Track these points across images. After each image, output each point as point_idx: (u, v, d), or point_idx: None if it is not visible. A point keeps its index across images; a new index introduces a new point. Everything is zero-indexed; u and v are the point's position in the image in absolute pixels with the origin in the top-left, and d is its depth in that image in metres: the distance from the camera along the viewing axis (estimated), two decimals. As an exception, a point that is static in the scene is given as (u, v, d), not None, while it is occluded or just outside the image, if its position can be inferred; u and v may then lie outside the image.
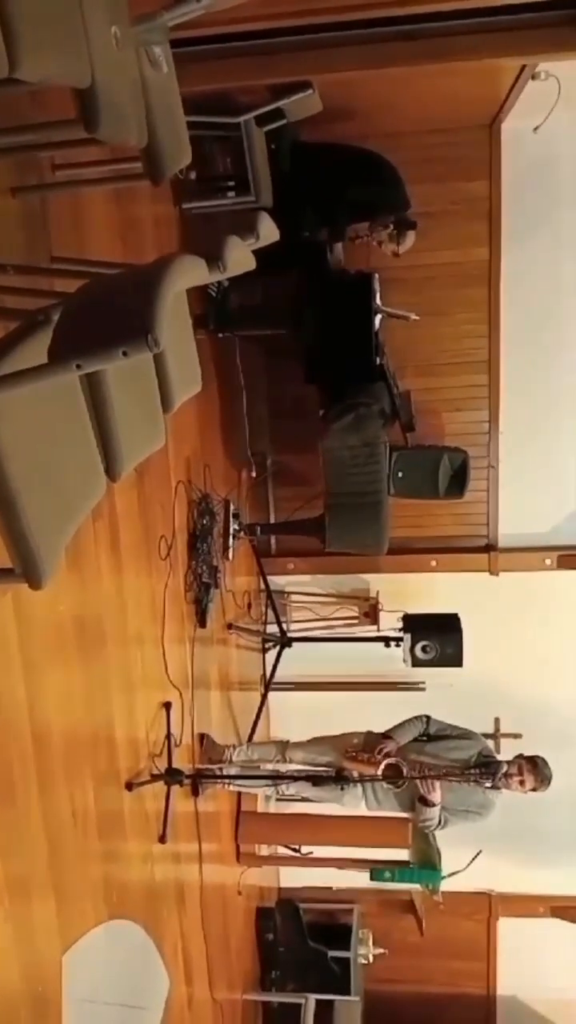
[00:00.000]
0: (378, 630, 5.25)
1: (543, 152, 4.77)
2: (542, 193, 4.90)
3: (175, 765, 3.50)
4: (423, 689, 5.37)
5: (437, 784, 3.81)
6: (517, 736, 5.30)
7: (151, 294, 1.33)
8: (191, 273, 1.55)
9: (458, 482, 4.84)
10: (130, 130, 2.10)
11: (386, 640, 5.05)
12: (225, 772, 4.16)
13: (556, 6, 3.28)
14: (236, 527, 4.71)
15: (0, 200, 2.41)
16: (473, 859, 4.11)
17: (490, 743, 4.59)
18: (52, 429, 1.62)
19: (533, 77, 4.01)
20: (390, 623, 5.13)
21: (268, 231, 2.09)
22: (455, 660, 4.80)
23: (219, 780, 4.12)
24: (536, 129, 4.51)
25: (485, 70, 3.88)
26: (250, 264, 1.93)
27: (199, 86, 3.30)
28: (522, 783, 3.79)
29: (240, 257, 1.83)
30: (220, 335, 4.45)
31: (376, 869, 4.55)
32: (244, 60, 3.48)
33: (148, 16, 2.17)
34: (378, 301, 4.44)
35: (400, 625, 4.95)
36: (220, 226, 4.11)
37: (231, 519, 4.66)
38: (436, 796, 3.82)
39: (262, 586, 5.36)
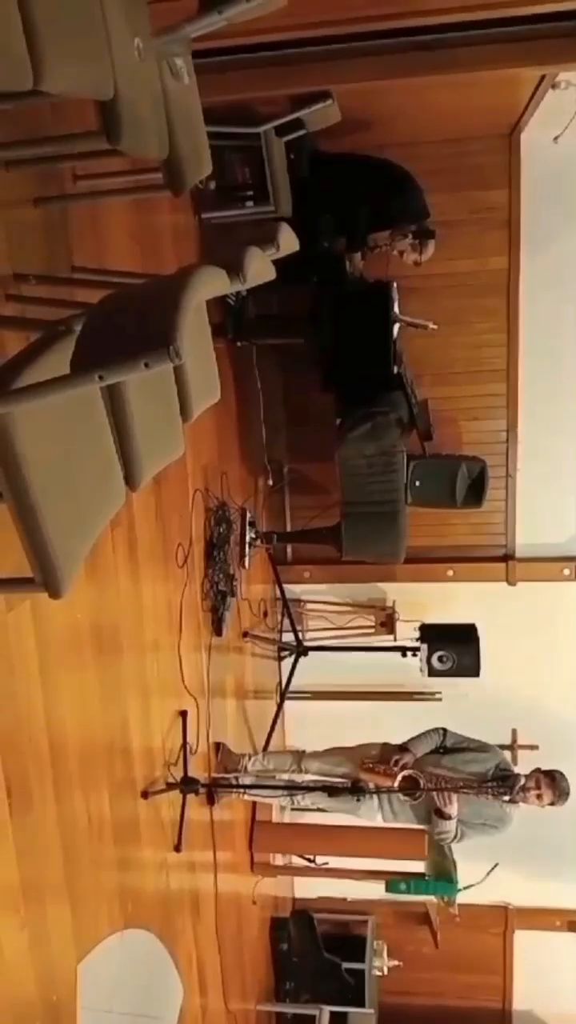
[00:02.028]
0: (394, 640, 5.23)
1: (562, 162, 4.76)
2: (561, 203, 4.88)
3: (191, 774, 3.50)
4: (439, 699, 5.35)
5: (454, 797, 3.78)
6: (534, 748, 5.26)
7: (173, 306, 1.34)
8: (212, 284, 1.55)
9: (476, 491, 4.82)
10: (151, 142, 2.12)
11: (402, 650, 5.02)
12: (240, 781, 4.15)
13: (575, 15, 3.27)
14: (252, 535, 4.71)
15: (22, 210, 2.42)
16: (490, 872, 4.08)
17: (507, 755, 4.55)
18: (72, 438, 1.63)
19: (553, 87, 4.00)
20: (407, 633, 5.12)
21: (288, 242, 2.10)
22: (472, 670, 4.77)
23: (234, 789, 4.11)
24: (556, 139, 4.50)
25: (504, 80, 3.87)
26: (270, 275, 1.93)
27: (219, 96, 3.32)
28: (540, 797, 3.76)
29: (260, 268, 1.83)
30: (238, 344, 4.46)
31: (392, 880, 4.52)
32: (264, 71, 3.49)
33: (170, 28, 2.18)
34: (396, 310, 4.44)
35: (417, 635, 4.93)
36: (239, 236, 4.13)
37: (247, 527, 4.66)
38: (453, 809, 3.79)
39: (278, 594, 5.35)
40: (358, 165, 4.26)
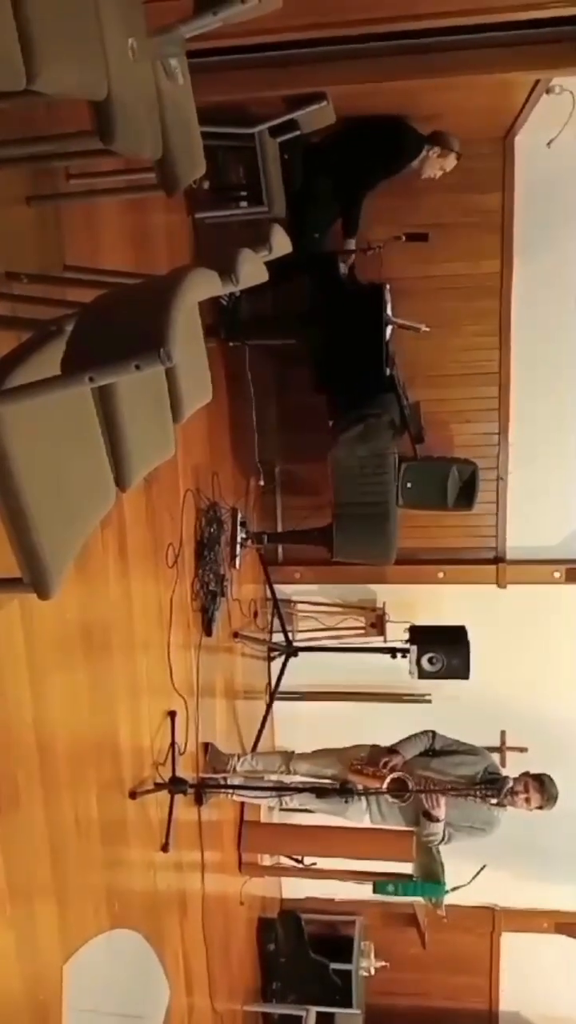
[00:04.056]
0: (384, 641, 5.23)
1: (556, 166, 4.77)
2: (554, 207, 4.90)
3: (179, 774, 3.49)
4: (429, 701, 5.36)
5: (442, 799, 3.79)
6: (523, 750, 5.28)
7: (164, 308, 1.34)
8: (204, 286, 1.55)
9: (467, 494, 4.83)
10: (145, 142, 2.12)
11: (392, 651, 5.03)
12: (229, 782, 4.15)
13: (570, 21, 3.29)
14: (243, 535, 4.71)
15: (15, 209, 2.42)
16: (477, 873, 4.08)
17: (496, 757, 4.56)
18: (62, 439, 1.63)
19: (547, 91, 4.01)
20: (396, 634, 5.12)
21: (281, 243, 2.10)
22: (461, 672, 4.78)
23: (223, 790, 4.11)
24: (550, 143, 4.50)
25: (499, 84, 3.89)
26: (263, 277, 1.93)
27: (214, 97, 3.32)
28: (528, 801, 3.77)
29: (253, 270, 1.84)
30: (231, 344, 4.46)
31: (379, 882, 4.52)
32: (259, 72, 3.50)
33: (165, 28, 2.18)
34: (389, 312, 4.45)
35: (406, 636, 4.94)
36: (233, 236, 4.13)
37: (239, 527, 4.66)
38: (441, 811, 3.80)
39: (269, 595, 5.35)
40: (347, 140, 4.21)
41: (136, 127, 2.03)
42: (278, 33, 3.19)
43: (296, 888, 5.77)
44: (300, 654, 5.24)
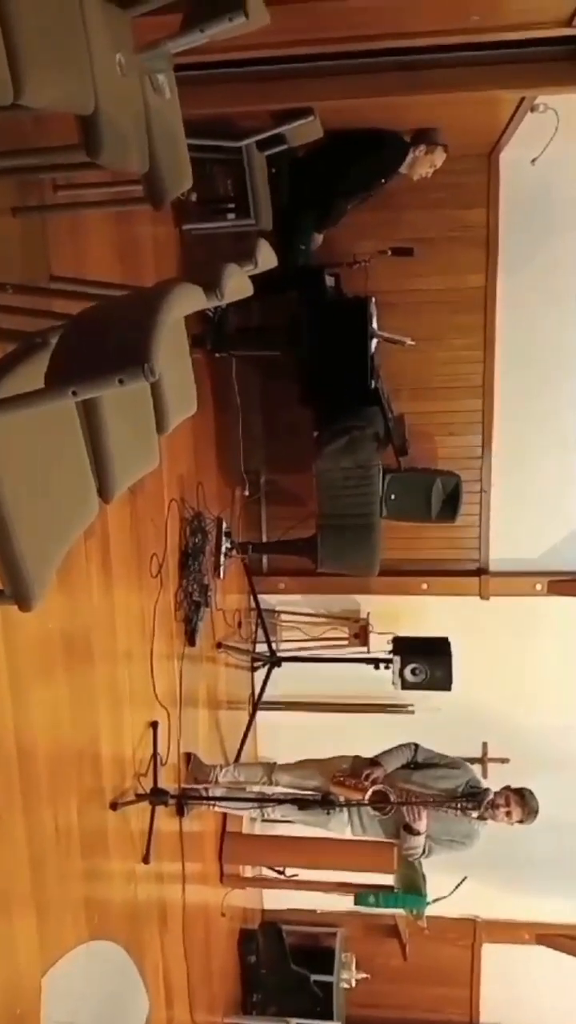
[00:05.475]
0: (368, 652, 5.24)
1: (540, 182, 4.83)
2: (538, 222, 4.95)
3: (160, 785, 3.48)
4: (412, 712, 5.37)
5: (423, 812, 3.79)
6: (504, 761, 5.29)
7: (148, 323, 1.35)
8: (189, 301, 1.56)
9: (450, 506, 4.86)
10: (132, 156, 2.13)
11: (376, 662, 5.04)
12: (211, 793, 4.14)
13: (555, 42, 3.34)
14: (228, 545, 4.72)
15: (1, 220, 2.43)
16: (458, 885, 4.09)
17: (477, 769, 4.57)
18: (46, 450, 1.63)
19: (532, 109, 4.06)
20: (380, 645, 5.13)
21: (266, 257, 2.11)
22: (444, 683, 4.80)
23: (204, 801, 4.10)
24: (534, 161, 4.55)
25: (484, 101, 3.93)
26: (248, 291, 1.95)
27: (203, 110, 3.34)
28: (508, 815, 3.78)
29: (238, 284, 1.85)
30: (217, 355, 4.47)
31: (360, 893, 4.52)
32: (246, 86, 3.52)
33: (152, 44, 2.20)
34: (374, 325, 4.47)
35: (390, 647, 4.95)
36: (220, 248, 4.16)
37: (223, 537, 4.67)
38: (422, 824, 3.80)
39: (252, 605, 5.36)
40: (335, 157, 4.23)
41: (123, 141, 2.05)
42: (266, 49, 3.22)
43: (277, 899, 5.75)
44: (284, 664, 5.23)
